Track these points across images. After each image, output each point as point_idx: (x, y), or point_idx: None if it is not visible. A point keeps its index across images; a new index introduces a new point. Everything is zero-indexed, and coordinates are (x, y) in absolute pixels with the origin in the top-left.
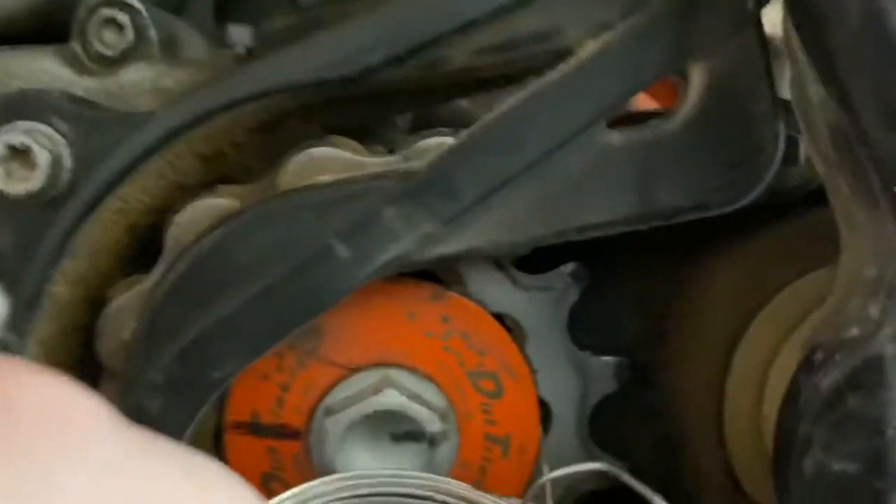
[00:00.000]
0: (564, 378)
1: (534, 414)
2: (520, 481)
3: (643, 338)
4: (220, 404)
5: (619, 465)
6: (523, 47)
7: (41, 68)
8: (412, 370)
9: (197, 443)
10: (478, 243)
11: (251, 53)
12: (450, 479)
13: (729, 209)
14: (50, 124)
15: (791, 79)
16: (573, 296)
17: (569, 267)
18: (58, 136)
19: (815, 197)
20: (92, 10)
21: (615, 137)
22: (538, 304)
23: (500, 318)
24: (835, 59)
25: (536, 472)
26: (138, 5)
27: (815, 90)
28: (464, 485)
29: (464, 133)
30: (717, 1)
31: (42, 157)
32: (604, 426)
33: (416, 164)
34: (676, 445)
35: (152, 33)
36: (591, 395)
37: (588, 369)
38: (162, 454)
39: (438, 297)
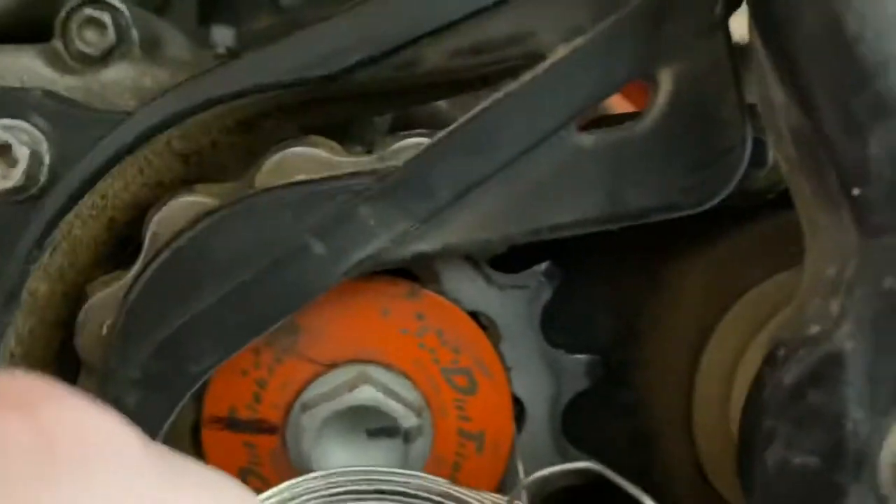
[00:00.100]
0: (538, 376)
1: (507, 411)
2: (493, 478)
3: (615, 336)
4: (198, 399)
5: (592, 462)
6: (497, 50)
7: (22, 67)
8: (387, 366)
9: (175, 438)
10: (452, 241)
11: (232, 54)
12: (438, 478)
13: (698, 210)
14: (30, 121)
15: (756, 82)
16: (546, 294)
17: (542, 266)
18: (38, 133)
19: (783, 199)
20: (74, 10)
21: (586, 139)
22: (512, 302)
23: (474, 315)
24: (795, 62)
25: (510, 469)
26: (120, 5)
27: (778, 93)
28: (450, 483)
29: (439, 134)
30: (685, 7)
31: (22, 153)
32: (576, 423)
33: (393, 164)
34: (647, 442)
35: (134, 33)
36: (564, 392)
37: (561, 367)
38: (194, 485)
39: (414, 294)
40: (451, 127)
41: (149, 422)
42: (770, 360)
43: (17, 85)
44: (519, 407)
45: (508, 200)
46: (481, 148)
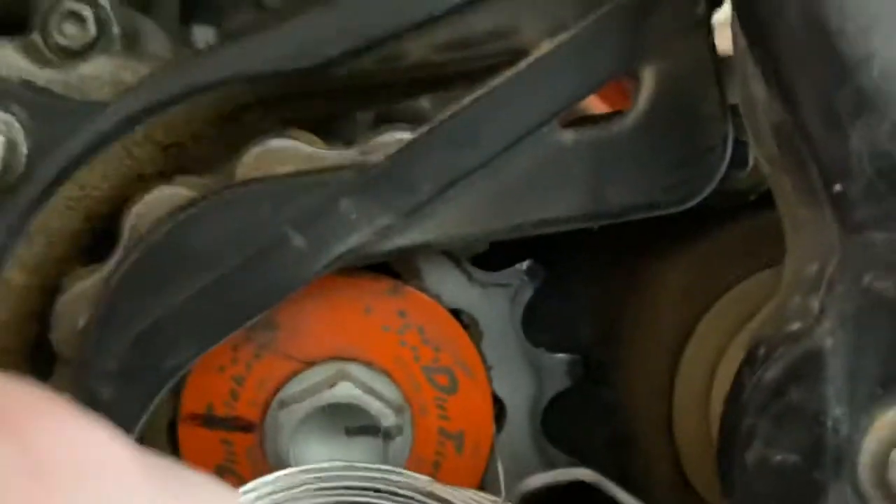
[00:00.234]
0: (519, 375)
1: (488, 410)
2: (474, 477)
3: (596, 336)
4: (175, 396)
5: (572, 462)
6: (480, 45)
7: (1, 60)
8: (368, 364)
9: (151, 434)
10: (434, 236)
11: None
12: (422, 476)
13: (679, 209)
14: (7, 111)
15: (737, 79)
16: (528, 293)
17: (524, 264)
18: (15, 123)
19: (763, 200)
20: (54, 3)
21: (568, 136)
22: (494, 300)
23: (456, 313)
24: (777, 58)
25: (489, 468)
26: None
27: (760, 90)
28: (433, 481)
29: (421, 128)
30: (668, 4)
31: None
32: (557, 423)
33: (374, 158)
34: (628, 442)
35: (114, 28)
36: (545, 392)
37: (542, 366)
38: (192, 496)
39: (395, 291)
40: (433, 122)
41: (124, 416)
42: (750, 358)
43: None
44: (499, 406)
45: (490, 196)
46: (464, 143)
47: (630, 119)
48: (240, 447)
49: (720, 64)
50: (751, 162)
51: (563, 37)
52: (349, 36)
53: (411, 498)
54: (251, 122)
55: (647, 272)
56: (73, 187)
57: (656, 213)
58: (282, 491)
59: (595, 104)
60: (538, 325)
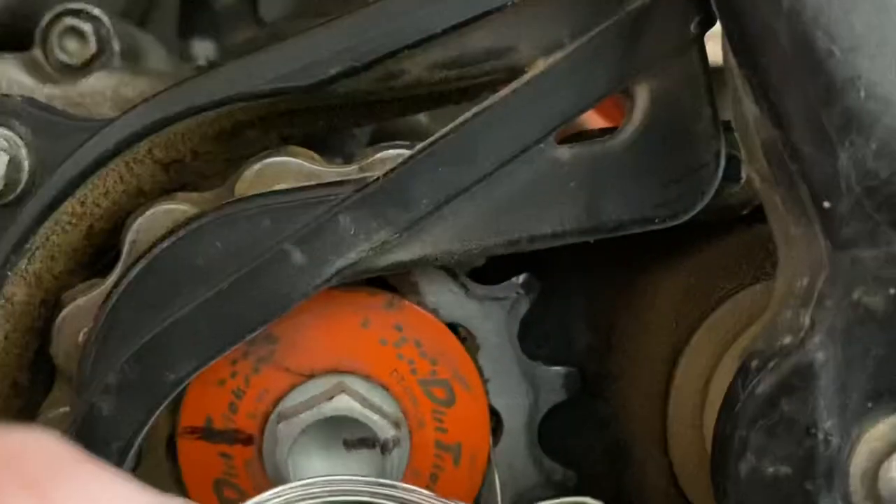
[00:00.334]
0: (515, 387)
1: (485, 423)
2: (471, 490)
3: (592, 349)
4: (174, 410)
5: (568, 474)
6: (477, 63)
7: (2, 76)
8: (366, 377)
9: (151, 448)
10: (432, 251)
11: (213, 67)
12: (422, 490)
13: (673, 223)
14: (9, 127)
15: (730, 96)
16: (524, 306)
17: (520, 278)
18: (17, 139)
19: (756, 214)
20: (55, 19)
21: (564, 152)
22: (490, 313)
23: (453, 327)
24: (767, 78)
25: (486, 481)
26: (101, 15)
27: (750, 108)
28: (434, 496)
29: (419, 145)
30: (661, 23)
31: (0, 159)
32: (553, 435)
33: (373, 174)
34: (623, 454)
35: (115, 43)
36: (541, 404)
37: (538, 379)
38: None
39: (393, 305)
40: (431, 138)
41: (125, 430)
42: (743, 371)
43: None
44: (496, 419)
45: (487, 211)
46: (461, 159)
47: (624, 136)
48: (239, 460)
49: (713, 78)
50: (743, 177)
51: (558, 55)
52: (348, 55)
53: None
54: (251, 138)
55: (641, 285)
56: (75, 203)
57: (651, 227)
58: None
59: (592, 118)
60: (534, 338)
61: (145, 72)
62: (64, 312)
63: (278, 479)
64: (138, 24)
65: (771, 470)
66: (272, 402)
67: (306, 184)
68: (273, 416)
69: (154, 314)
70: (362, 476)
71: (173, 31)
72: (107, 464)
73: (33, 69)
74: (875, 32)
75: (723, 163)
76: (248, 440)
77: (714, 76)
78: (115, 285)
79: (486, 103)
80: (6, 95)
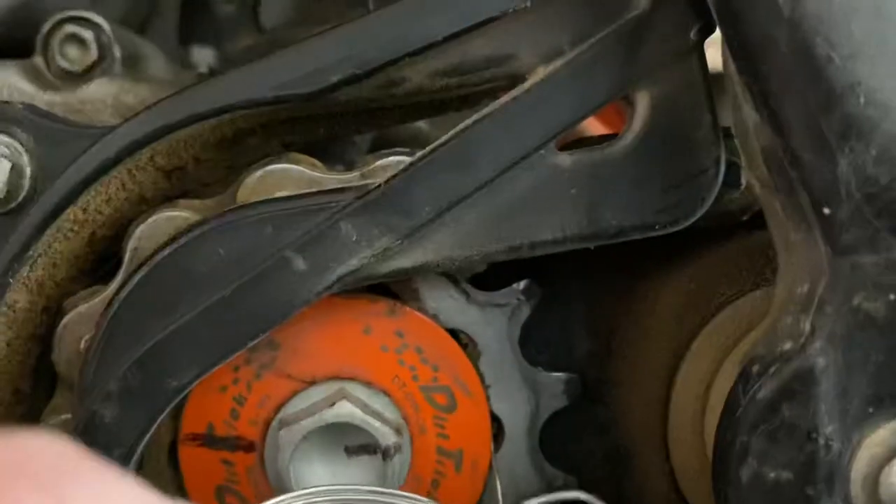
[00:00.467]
0: (516, 393)
1: (486, 429)
2: (472, 496)
3: (593, 355)
4: (176, 417)
5: (569, 480)
6: (478, 71)
7: (3, 83)
8: (367, 383)
9: (152, 454)
10: (433, 258)
11: (214, 74)
12: (423, 498)
13: (673, 229)
14: (11, 135)
15: (730, 103)
16: (525, 313)
17: (521, 284)
18: (19, 147)
19: (756, 220)
20: (56, 26)
21: (564, 159)
22: (491, 320)
23: (454, 333)
24: (767, 85)
25: (488, 487)
26: (102, 22)
27: (750, 115)
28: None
29: (420, 152)
30: (661, 31)
31: (2, 166)
32: (554, 441)
33: (374, 181)
34: (624, 460)
35: (116, 50)
36: (542, 410)
37: (539, 385)
38: None
39: (394, 312)
40: (432, 145)
41: (126, 437)
42: (744, 377)
43: None
44: (497, 425)
45: (488, 218)
46: (462, 166)
47: (625, 142)
48: (240, 467)
49: (713, 85)
50: (743, 183)
51: (558, 63)
52: (349, 63)
53: None
54: (252, 145)
55: (642, 291)
56: (77, 210)
57: (651, 233)
58: None
59: (592, 124)
60: (535, 344)
61: (146, 79)
62: (65, 319)
63: (280, 485)
64: (138, 31)
65: (772, 475)
66: (274, 409)
67: (308, 191)
68: (275, 423)
69: (156, 321)
70: (363, 485)
71: (174, 39)
72: (115, 466)
73: (34, 76)
74: (874, 39)
75: (723, 169)
76: (249, 447)
77: (713, 82)
78: (117, 292)
79: (486, 110)
80: (7, 102)
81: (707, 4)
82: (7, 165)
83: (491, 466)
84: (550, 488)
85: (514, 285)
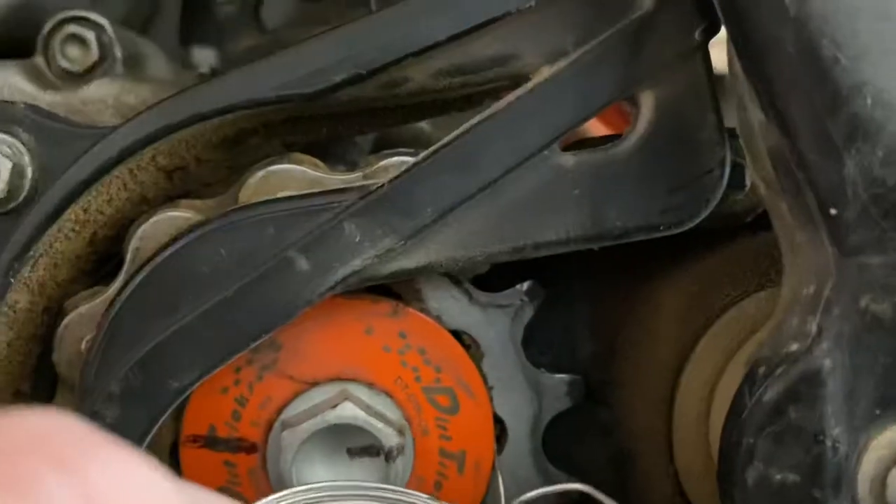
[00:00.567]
0: (519, 395)
1: (489, 430)
2: (475, 498)
3: (596, 356)
4: (177, 418)
5: (572, 482)
6: (481, 71)
7: (4, 82)
8: (369, 385)
9: (153, 456)
10: (436, 259)
11: (216, 74)
12: (423, 494)
13: (677, 230)
14: (12, 134)
15: (735, 105)
16: (528, 314)
17: (524, 285)
18: (20, 146)
19: (760, 221)
20: (57, 26)
21: (569, 160)
22: (494, 321)
23: (457, 334)
24: (773, 86)
25: (490, 489)
26: (104, 22)
27: (756, 115)
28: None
29: (424, 153)
30: (665, 31)
31: (3, 165)
32: (557, 443)
33: (377, 181)
34: (628, 461)
35: (117, 50)
36: (546, 412)
37: (542, 387)
38: None
39: (396, 312)
40: (436, 145)
41: (128, 438)
42: (750, 378)
43: None
44: (500, 426)
45: (492, 219)
46: (466, 167)
47: (629, 143)
48: (242, 468)
49: (717, 85)
50: (748, 184)
51: (562, 63)
52: (352, 63)
53: None
54: (254, 146)
55: (646, 293)
56: (79, 210)
57: (655, 235)
58: None
59: (593, 125)
60: (539, 346)
61: (147, 79)
62: (66, 320)
63: (282, 487)
64: (139, 31)
65: (778, 477)
66: (276, 410)
67: (310, 191)
68: (277, 425)
69: (158, 322)
70: (366, 482)
71: (174, 39)
72: (134, 448)
73: (35, 76)
74: (881, 40)
75: (728, 170)
76: (251, 448)
77: (717, 83)
78: (119, 293)
79: (490, 111)
80: (9, 102)
81: (712, 4)
82: (8, 165)
83: (494, 468)
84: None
85: (518, 286)
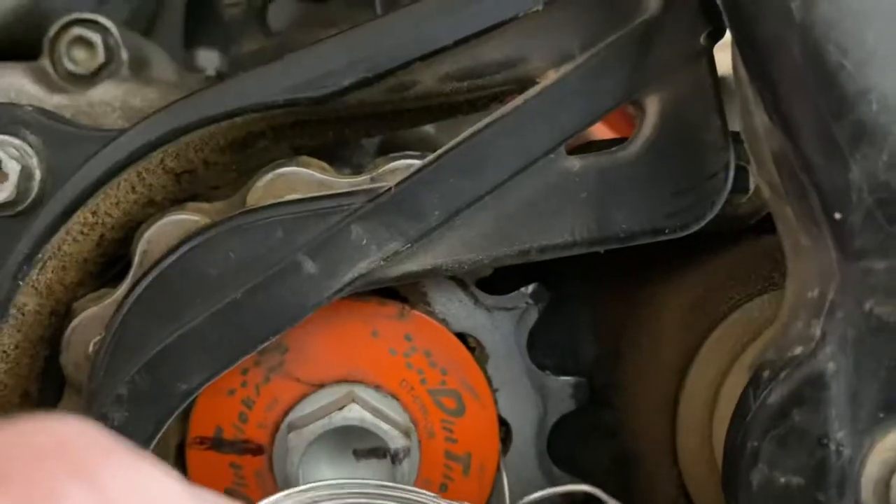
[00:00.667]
0: (524, 397)
1: (494, 432)
2: (480, 500)
3: (601, 359)
4: (184, 420)
5: (577, 483)
6: (489, 74)
7: (10, 85)
8: (375, 387)
9: (160, 458)
10: (443, 261)
11: (221, 77)
12: (430, 493)
13: (682, 234)
14: (21, 137)
15: (739, 109)
16: (533, 316)
17: (529, 288)
18: (28, 149)
19: (764, 224)
20: (63, 29)
21: (574, 163)
22: (499, 323)
23: (462, 337)
24: (778, 90)
25: (495, 490)
26: (110, 25)
27: (761, 120)
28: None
29: (431, 156)
30: (671, 35)
31: (12, 168)
32: (562, 445)
33: (384, 185)
34: (632, 464)
35: (122, 53)
36: (550, 414)
37: (547, 389)
38: None
39: (403, 315)
40: (443, 149)
41: (135, 440)
42: (754, 381)
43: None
44: (505, 428)
45: (498, 222)
46: (472, 170)
47: (634, 147)
48: (248, 470)
49: (721, 89)
50: (751, 187)
51: (569, 67)
52: (361, 66)
53: None
54: (262, 149)
55: (650, 296)
56: (87, 213)
57: (660, 238)
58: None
59: (597, 128)
60: (543, 348)
61: (153, 81)
62: (74, 323)
63: (288, 488)
64: (143, 33)
65: (782, 480)
66: (282, 412)
67: (318, 194)
68: (283, 426)
69: (165, 324)
70: (372, 480)
71: (179, 41)
72: (148, 454)
73: (41, 79)
74: (887, 45)
75: (732, 173)
76: (257, 450)
77: (722, 86)
78: (126, 295)
79: (496, 114)
80: (17, 105)
81: (717, 9)
82: (17, 168)
83: (499, 470)
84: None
85: (523, 289)
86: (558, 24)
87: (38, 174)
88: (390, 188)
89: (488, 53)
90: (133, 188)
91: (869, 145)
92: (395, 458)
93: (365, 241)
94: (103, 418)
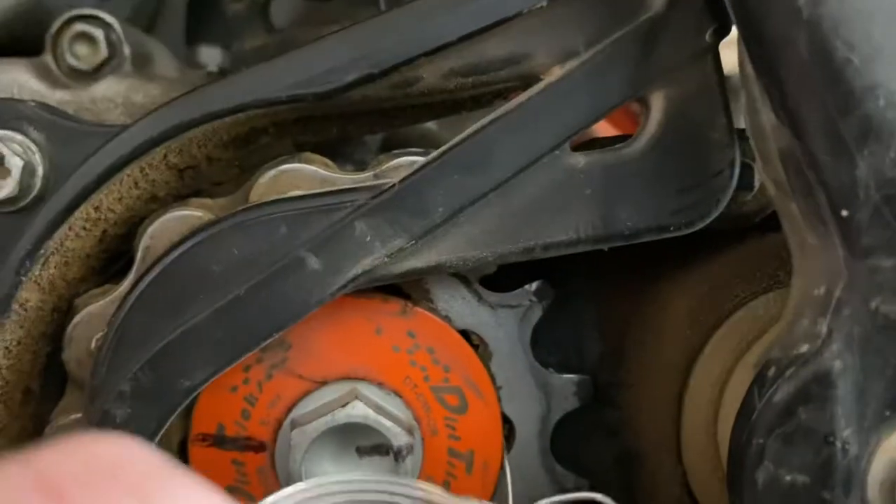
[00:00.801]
0: (527, 395)
1: (497, 430)
2: (483, 497)
3: (605, 357)
4: (186, 415)
5: (580, 482)
6: (493, 70)
7: (13, 81)
8: (379, 384)
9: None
10: (446, 258)
11: (224, 73)
12: (435, 486)
13: (687, 231)
14: (23, 133)
15: (745, 107)
16: (537, 314)
17: (533, 285)
18: (31, 145)
19: (769, 222)
20: (66, 25)
21: (579, 160)
22: (503, 321)
23: (465, 334)
24: (785, 86)
25: (499, 488)
26: (112, 20)
27: (768, 117)
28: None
29: (435, 152)
30: (676, 32)
31: (14, 163)
32: (565, 443)
33: (388, 181)
34: (636, 462)
35: (125, 49)
36: (554, 412)
37: (551, 387)
38: None
39: (406, 312)
40: (447, 145)
41: (137, 436)
42: (760, 379)
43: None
44: (508, 426)
45: (502, 219)
46: (477, 166)
47: (640, 144)
48: (251, 467)
49: (727, 86)
50: (756, 185)
51: (574, 63)
52: (365, 62)
53: None
54: (265, 145)
55: (654, 293)
56: (90, 208)
57: (665, 235)
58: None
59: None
60: (547, 346)
61: (155, 77)
62: (77, 318)
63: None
64: (145, 29)
65: (788, 478)
66: (285, 409)
67: (322, 190)
68: (286, 423)
69: (168, 321)
70: (376, 475)
71: (180, 37)
72: (202, 478)
73: (44, 74)
74: (894, 40)
75: (737, 171)
76: (260, 447)
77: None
78: (129, 291)
79: (501, 110)
80: (20, 100)
81: (723, 6)
82: (19, 163)
83: (502, 468)
84: (561, 490)
85: (526, 286)
86: (563, 20)
87: (40, 170)
88: (394, 185)
89: (492, 50)
90: (136, 184)
91: (876, 142)
92: (398, 455)
93: (369, 238)
94: (106, 415)
